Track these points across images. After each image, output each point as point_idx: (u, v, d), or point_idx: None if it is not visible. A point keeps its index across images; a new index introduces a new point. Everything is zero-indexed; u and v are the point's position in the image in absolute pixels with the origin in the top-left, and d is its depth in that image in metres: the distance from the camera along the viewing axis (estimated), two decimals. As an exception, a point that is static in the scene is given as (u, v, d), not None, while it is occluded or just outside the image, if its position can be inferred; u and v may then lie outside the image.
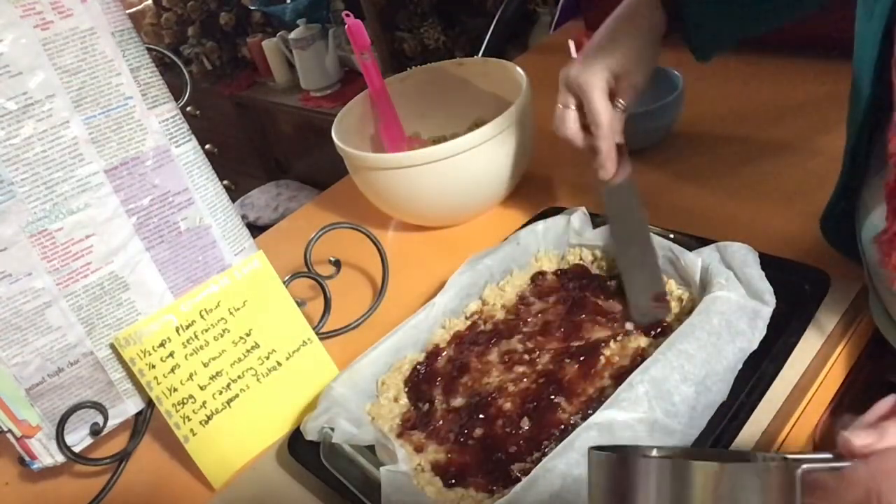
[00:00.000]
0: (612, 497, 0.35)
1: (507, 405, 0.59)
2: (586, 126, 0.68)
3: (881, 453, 0.35)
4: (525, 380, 0.61)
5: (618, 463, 0.36)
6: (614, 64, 0.66)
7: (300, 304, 0.72)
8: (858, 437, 0.36)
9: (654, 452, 0.40)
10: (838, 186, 0.61)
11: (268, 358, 0.69)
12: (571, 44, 0.82)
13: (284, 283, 0.72)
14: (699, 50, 0.71)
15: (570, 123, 0.69)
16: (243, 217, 2.07)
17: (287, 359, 0.69)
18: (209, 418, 0.66)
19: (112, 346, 0.64)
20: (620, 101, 0.67)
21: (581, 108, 0.68)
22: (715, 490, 0.33)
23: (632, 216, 0.69)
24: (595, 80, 0.65)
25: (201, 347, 0.66)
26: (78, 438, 0.66)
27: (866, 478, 0.34)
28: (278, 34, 2.28)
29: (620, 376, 0.58)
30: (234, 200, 1.31)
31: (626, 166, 0.68)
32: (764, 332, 0.58)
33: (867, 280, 0.58)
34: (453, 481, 0.56)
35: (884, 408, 0.39)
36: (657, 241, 0.67)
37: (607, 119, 0.66)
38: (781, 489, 0.34)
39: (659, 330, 0.63)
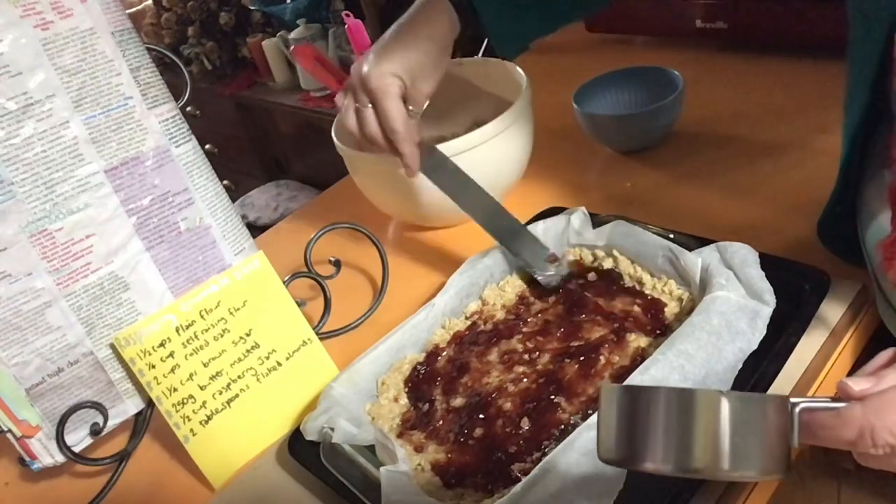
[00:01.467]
0: (623, 426, 0.37)
1: (507, 405, 0.59)
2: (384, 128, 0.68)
3: (877, 394, 0.36)
4: (525, 380, 0.61)
5: (627, 393, 0.37)
6: (406, 70, 0.66)
7: (300, 304, 0.72)
8: (857, 383, 0.37)
9: None
10: (835, 191, 0.61)
11: (268, 358, 0.69)
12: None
13: (284, 283, 0.72)
14: (499, 48, 0.73)
15: (373, 125, 0.68)
16: (243, 217, 2.07)
17: (287, 359, 0.70)
18: (209, 418, 0.66)
19: (112, 346, 0.64)
20: (412, 108, 0.68)
21: (375, 110, 0.67)
22: (717, 416, 0.35)
23: (464, 184, 0.72)
24: (389, 87, 0.65)
25: (201, 347, 0.66)
26: (78, 438, 0.66)
27: (860, 416, 0.35)
28: (278, 34, 2.28)
29: (620, 376, 0.58)
30: (234, 200, 1.31)
31: (430, 152, 0.71)
32: (764, 332, 0.58)
33: (872, 281, 0.58)
34: (453, 481, 0.56)
35: (883, 358, 0.40)
36: (657, 240, 0.67)
37: (404, 125, 0.66)
38: (779, 424, 0.36)
39: (659, 330, 0.63)
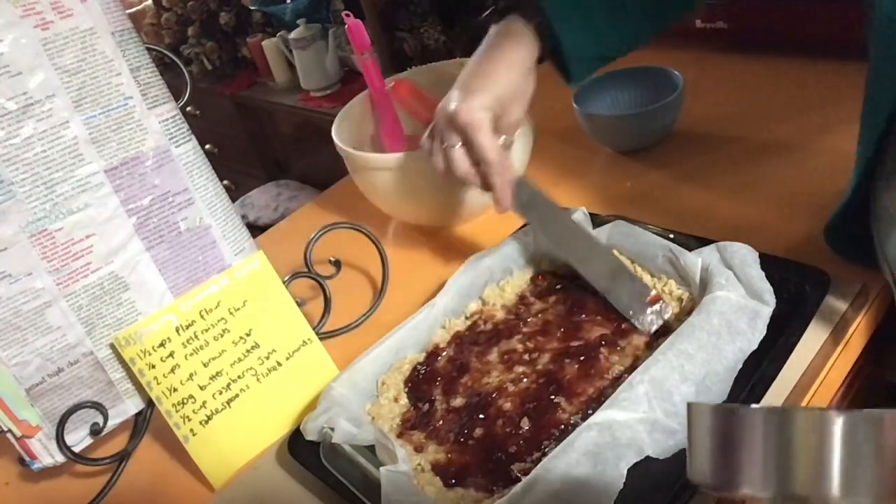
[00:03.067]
0: (716, 448, 0.34)
1: (507, 405, 0.59)
2: (476, 162, 0.66)
3: None
4: (525, 380, 0.61)
5: (720, 413, 0.34)
6: (494, 101, 0.65)
7: (300, 304, 0.72)
8: None
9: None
10: (851, 194, 0.59)
11: (268, 358, 0.69)
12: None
13: (284, 283, 0.72)
14: (573, 70, 0.70)
15: (463, 163, 0.67)
16: (243, 217, 2.07)
17: (287, 359, 0.69)
18: (209, 418, 0.66)
19: (112, 346, 0.64)
20: (504, 136, 0.67)
21: (466, 145, 0.66)
22: (821, 437, 0.32)
23: (570, 234, 0.68)
24: (480, 121, 0.64)
25: (201, 347, 0.66)
26: (78, 438, 0.66)
27: None
28: (278, 34, 2.28)
29: (620, 376, 0.58)
30: (234, 200, 1.31)
31: (520, 188, 0.68)
32: (764, 332, 0.58)
33: (892, 287, 0.57)
34: (453, 481, 0.56)
35: None
36: (657, 240, 0.67)
37: (497, 156, 0.65)
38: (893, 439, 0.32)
39: (659, 330, 0.63)
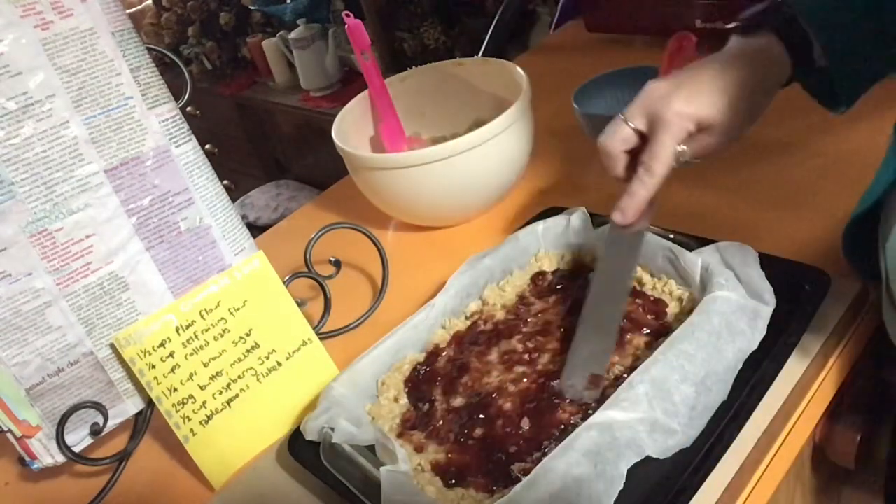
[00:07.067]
0: None
1: (507, 405, 0.59)
2: (633, 153, 0.60)
3: None
4: (525, 380, 0.61)
5: None
6: (707, 116, 0.57)
7: (300, 304, 0.72)
8: None
9: None
10: (870, 199, 0.56)
11: (268, 358, 0.69)
12: None
13: (284, 283, 0.72)
14: (840, 92, 0.60)
15: (619, 144, 0.60)
16: (243, 217, 2.07)
17: (287, 359, 0.70)
18: (209, 418, 0.66)
19: (112, 346, 0.64)
20: (686, 149, 0.58)
21: (642, 136, 0.59)
22: None
23: (620, 276, 0.63)
24: (675, 127, 0.56)
25: (201, 347, 0.66)
26: (78, 438, 0.66)
27: None
28: (278, 34, 2.28)
29: (620, 376, 0.58)
30: (234, 200, 1.31)
31: (646, 220, 0.61)
32: (764, 332, 0.58)
33: (882, 287, 0.55)
34: (453, 481, 0.56)
35: None
36: (657, 240, 0.67)
37: (663, 171, 0.58)
38: None
39: (659, 330, 0.62)
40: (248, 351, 0.68)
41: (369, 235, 0.81)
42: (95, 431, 0.66)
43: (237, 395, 0.67)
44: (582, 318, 0.63)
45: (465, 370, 0.64)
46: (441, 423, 0.61)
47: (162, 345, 0.64)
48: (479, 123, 0.88)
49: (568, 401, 0.58)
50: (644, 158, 0.58)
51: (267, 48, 2.31)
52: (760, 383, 0.56)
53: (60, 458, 0.65)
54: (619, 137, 0.59)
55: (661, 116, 0.57)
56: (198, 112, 2.46)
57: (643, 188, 0.59)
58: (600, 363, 0.60)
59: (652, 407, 0.52)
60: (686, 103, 0.57)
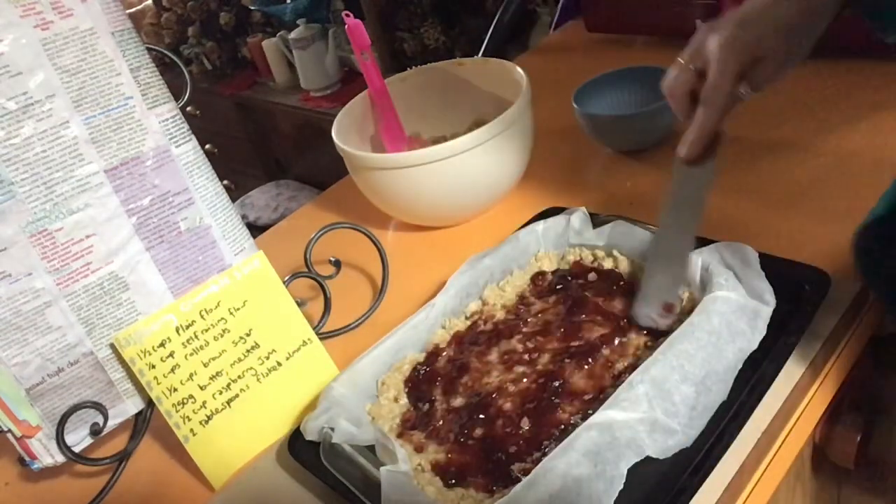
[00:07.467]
0: None
1: (507, 405, 0.59)
2: (695, 92, 0.60)
3: None
4: (525, 380, 0.61)
5: None
6: (760, 47, 0.57)
7: (300, 304, 0.72)
8: None
9: None
10: (888, 206, 0.55)
11: (268, 358, 0.69)
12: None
13: (284, 283, 0.72)
14: (892, 23, 0.58)
15: (680, 85, 0.60)
16: (243, 217, 2.07)
17: (287, 359, 0.70)
18: (209, 418, 0.66)
19: (112, 346, 0.64)
20: (746, 87, 0.59)
21: (700, 74, 0.59)
22: None
23: (689, 210, 0.64)
24: (730, 62, 0.57)
25: (201, 347, 0.66)
26: (78, 438, 0.66)
27: None
28: (278, 34, 2.28)
29: (620, 376, 0.58)
30: (234, 200, 1.31)
31: (712, 156, 0.61)
32: (764, 332, 0.58)
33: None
34: (453, 481, 0.56)
35: None
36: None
37: (722, 104, 0.59)
38: None
39: (659, 330, 0.63)
40: (248, 351, 0.68)
41: (369, 235, 0.81)
42: (95, 431, 0.66)
43: (237, 395, 0.67)
44: (651, 251, 0.66)
45: (465, 370, 0.64)
46: (441, 423, 0.61)
47: (162, 345, 0.64)
48: (479, 123, 0.88)
49: (568, 401, 0.58)
50: (703, 97, 0.59)
51: (267, 48, 2.31)
52: (760, 383, 0.56)
53: (60, 458, 0.65)
54: (679, 80, 0.61)
55: (713, 56, 0.58)
56: (198, 112, 2.46)
57: (706, 121, 0.60)
58: (673, 292, 0.63)
59: (652, 407, 0.52)
60: (737, 36, 0.57)
